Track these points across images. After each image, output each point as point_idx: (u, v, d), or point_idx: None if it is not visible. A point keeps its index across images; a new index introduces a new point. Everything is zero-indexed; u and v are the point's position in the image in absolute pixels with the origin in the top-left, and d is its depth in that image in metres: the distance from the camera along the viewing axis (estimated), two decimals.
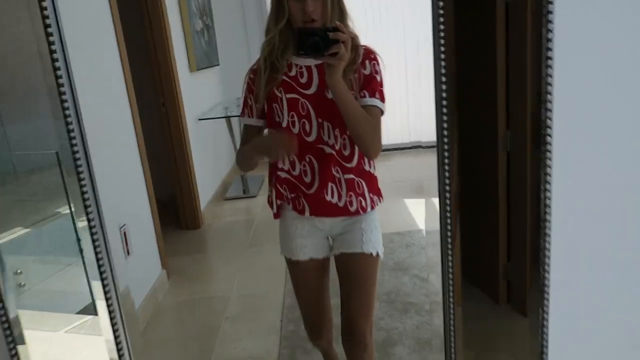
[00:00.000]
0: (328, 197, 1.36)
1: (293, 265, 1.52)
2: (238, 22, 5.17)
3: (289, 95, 1.32)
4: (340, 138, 1.33)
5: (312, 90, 1.31)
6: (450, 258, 0.89)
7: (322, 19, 1.24)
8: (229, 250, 3.38)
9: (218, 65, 4.69)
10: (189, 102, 3.72)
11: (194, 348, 2.32)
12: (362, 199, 1.39)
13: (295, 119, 1.32)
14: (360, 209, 1.39)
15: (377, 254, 1.44)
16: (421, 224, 3.46)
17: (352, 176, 1.37)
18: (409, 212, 3.67)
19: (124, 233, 2.27)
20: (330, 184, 1.35)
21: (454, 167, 0.86)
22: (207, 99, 4.27)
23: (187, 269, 3.15)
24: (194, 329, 2.47)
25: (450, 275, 0.89)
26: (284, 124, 1.33)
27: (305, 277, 1.53)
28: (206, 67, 4.30)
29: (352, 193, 1.37)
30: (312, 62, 1.30)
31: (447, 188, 0.87)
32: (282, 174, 1.40)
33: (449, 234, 0.88)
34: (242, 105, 1.42)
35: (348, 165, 1.36)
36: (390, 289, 2.59)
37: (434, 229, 3.34)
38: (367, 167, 1.40)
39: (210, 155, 4.25)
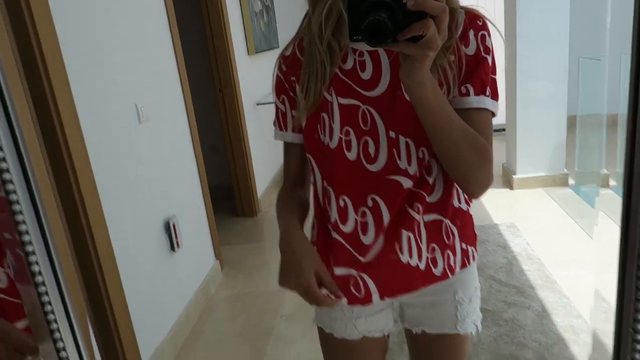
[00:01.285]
0: (404, 258, 0.86)
1: (333, 344, 0.98)
2: (299, 2, 4.96)
3: (343, 101, 0.83)
4: (427, 160, 0.83)
5: (379, 90, 0.81)
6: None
7: None
8: None
9: (278, 47, 4.51)
10: (246, 86, 3.58)
11: (246, 349, 2.17)
12: (450, 254, 0.89)
13: (352, 136, 0.83)
14: (447, 270, 0.89)
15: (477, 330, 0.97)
16: (496, 218, 3.12)
17: (437, 217, 0.87)
18: (481, 203, 3.34)
19: (173, 225, 2.14)
20: (405, 234, 0.85)
21: None
22: (266, 82, 4.10)
23: (242, 260, 3.02)
24: (246, 327, 2.33)
25: None
26: (333, 145, 0.84)
27: None
28: (265, 50, 4.14)
29: (435, 245, 0.87)
30: None
31: None
32: (329, 228, 0.90)
33: None
34: (275, 110, 0.95)
35: (430, 199, 0.86)
36: None
37: (507, 222, 3.02)
38: (457, 202, 0.90)
39: (268, 139, 4.10)
